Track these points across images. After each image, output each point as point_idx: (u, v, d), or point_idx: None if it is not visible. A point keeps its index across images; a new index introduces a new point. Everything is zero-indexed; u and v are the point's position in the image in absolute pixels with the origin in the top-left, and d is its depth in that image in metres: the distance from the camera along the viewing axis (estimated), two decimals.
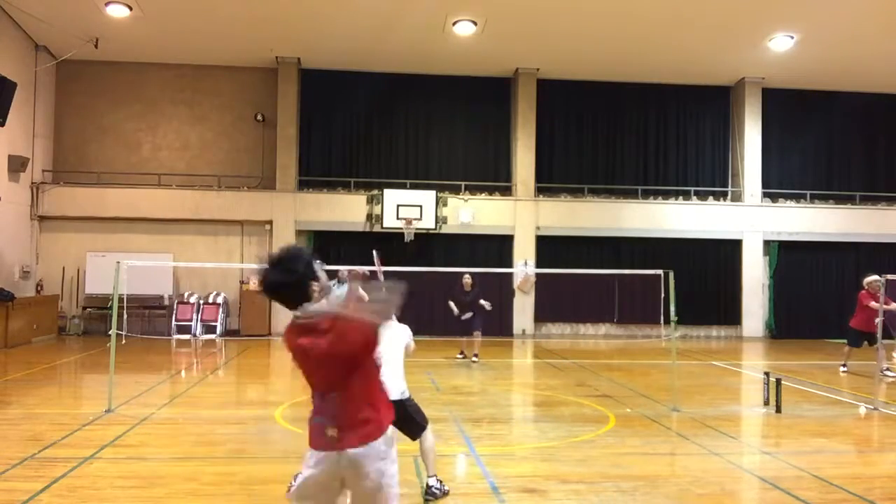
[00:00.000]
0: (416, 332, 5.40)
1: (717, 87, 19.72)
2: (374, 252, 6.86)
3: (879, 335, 9.53)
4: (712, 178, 19.74)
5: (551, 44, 16.97)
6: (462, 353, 13.26)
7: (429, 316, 17.51)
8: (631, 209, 18.85)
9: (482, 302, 12.75)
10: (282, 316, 17.75)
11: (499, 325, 17.72)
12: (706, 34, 16.35)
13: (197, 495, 5.26)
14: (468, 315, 12.87)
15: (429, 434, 5.24)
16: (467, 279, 12.84)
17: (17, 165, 16.25)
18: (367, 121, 18.91)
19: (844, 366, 12.27)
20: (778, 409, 8.59)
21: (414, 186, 18.16)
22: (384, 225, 17.49)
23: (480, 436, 7.32)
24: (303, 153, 18.61)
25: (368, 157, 18.89)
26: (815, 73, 18.58)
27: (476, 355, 12.68)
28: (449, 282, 16.67)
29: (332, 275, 11.99)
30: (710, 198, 19.63)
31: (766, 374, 9.23)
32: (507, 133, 19.25)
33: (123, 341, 13.79)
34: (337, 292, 11.58)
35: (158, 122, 18.58)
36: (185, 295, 17.48)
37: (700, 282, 18.90)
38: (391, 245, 18.00)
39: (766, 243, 19.18)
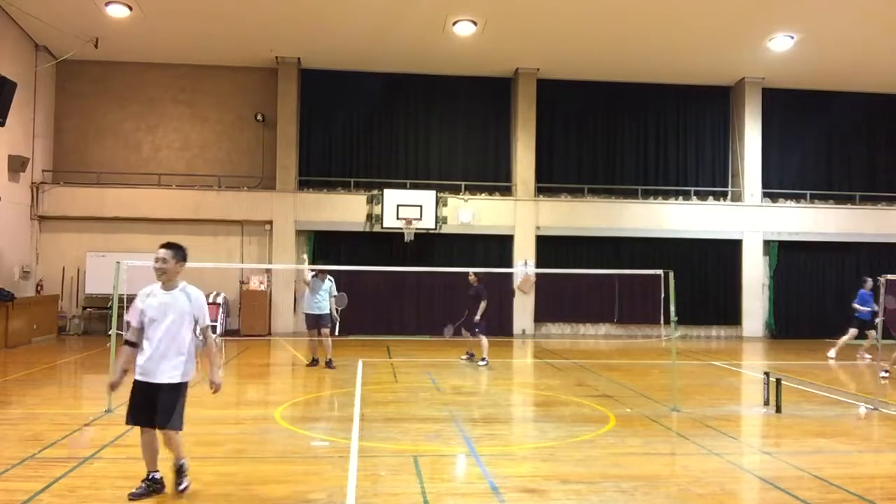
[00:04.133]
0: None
1: (717, 87, 19.72)
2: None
3: (879, 335, 9.53)
4: (712, 178, 19.74)
5: (551, 44, 16.97)
6: (471, 354, 13.24)
7: (428, 316, 17.55)
8: (631, 209, 18.85)
9: (482, 304, 12.70)
10: (282, 316, 17.78)
11: (499, 325, 17.72)
12: (706, 34, 16.35)
13: (197, 495, 5.26)
14: (457, 325, 13.19)
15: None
16: (472, 277, 12.90)
17: (17, 165, 16.25)
18: (367, 121, 18.90)
19: (887, 371, 11.31)
20: (778, 409, 8.59)
21: (414, 186, 18.15)
22: (384, 225, 17.49)
23: (480, 436, 7.32)
24: (303, 153, 18.61)
25: (368, 157, 18.89)
26: (815, 73, 18.59)
27: (484, 358, 12.65)
28: (449, 282, 16.75)
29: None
30: (710, 198, 19.63)
31: (766, 374, 9.23)
32: (507, 133, 19.25)
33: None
34: (317, 286, 11.71)
35: (158, 122, 18.58)
36: None
37: (700, 282, 18.91)
38: (391, 245, 18.04)
39: (766, 243, 19.18)
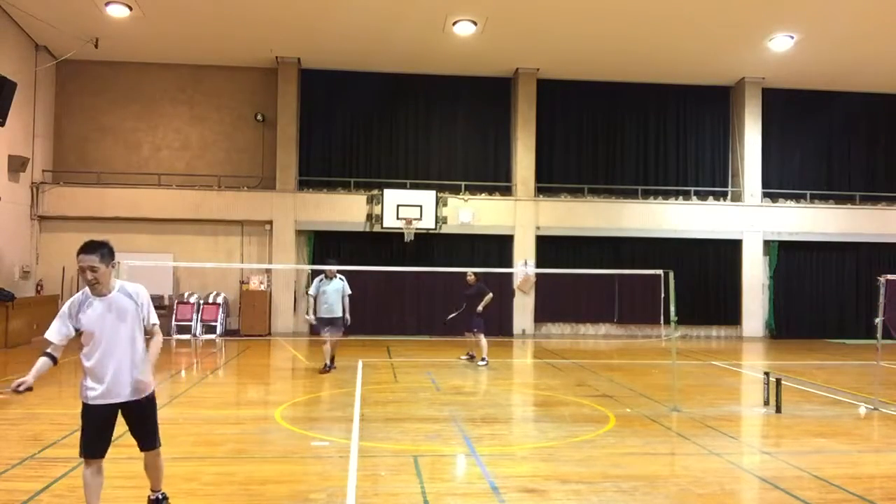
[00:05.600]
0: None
1: (717, 87, 19.72)
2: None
3: (879, 335, 9.52)
4: (712, 178, 19.75)
5: (551, 44, 16.97)
6: (471, 354, 13.22)
7: (428, 316, 17.54)
8: (631, 209, 18.85)
9: (487, 297, 12.65)
10: (282, 316, 17.79)
11: (499, 325, 17.72)
12: (706, 34, 16.35)
13: (197, 495, 5.26)
14: (451, 316, 13.17)
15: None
16: (470, 277, 12.89)
17: (17, 165, 16.25)
18: (367, 121, 18.91)
19: None
20: (778, 409, 8.59)
21: (414, 186, 18.16)
22: (384, 225, 17.50)
23: (480, 436, 7.31)
24: (303, 153, 18.61)
25: (368, 157, 18.89)
26: (815, 73, 18.59)
27: (484, 359, 12.62)
28: (449, 282, 16.73)
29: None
30: (710, 198, 19.63)
31: (766, 374, 9.23)
32: (507, 133, 19.24)
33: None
34: (328, 287, 11.49)
35: (158, 122, 18.58)
36: (185, 295, 17.48)
37: (700, 282, 18.91)
38: (391, 245, 18.04)
39: (766, 243, 19.18)
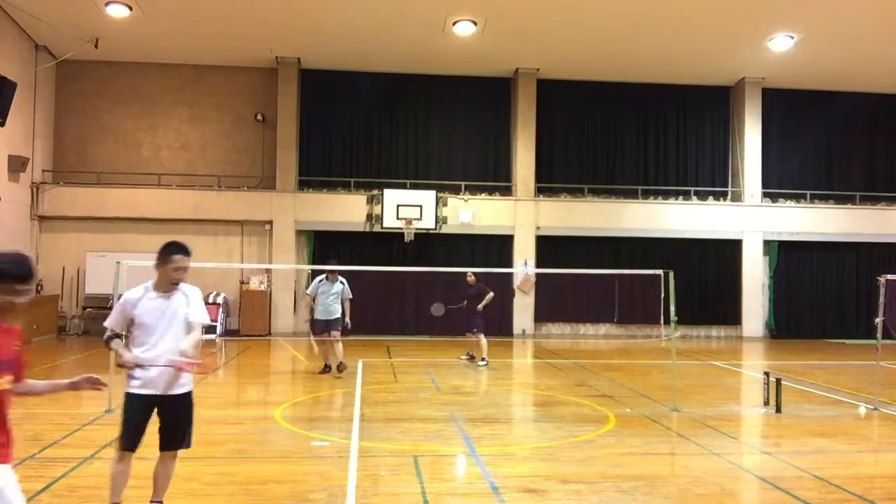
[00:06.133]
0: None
1: (717, 87, 19.71)
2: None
3: (879, 335, 9.52)
4: (712, 178, 19.74)
5: (551, 44, 16.97)
6: (471, 355, 13.21)
7: (429, 316, 17.52)
8: (631, 209, 18.85)
9: (488, 296, 12.66)
10: (282, 316, 17.79)
11: (499, 325, 17.72)
12: (706, 34, 16.35)
13: (197, 495, 5.27)
14: (438, 306, 13.23)
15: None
16: (470, 277, 12.89)
17: (17, 165, 16.25)
18: (367, 121, 18.91)
19: None
20: (778, 409, 8.59)
21: (414, 186, 18.16)
22: (384, 225, 17.49)
23: (480, 436, 7.32)
24: (303, 153, 18.61)
25: (368, 157, 18.89)
26: (815, 73, 18.58)
27: (484, 359, 12.61)
28: (449, 282, 16.73)
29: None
30: (710, 198, 19.63)
31: (766, 374, 9.23)
32: (507, 133, 19.24)
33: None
34: (328, 289, 11.41)
35: (158, 122, 18.58)
36: None
37: (700, 282, 18.91)
38: (391, 245, 18.04)
39: (766, 243, 19.18)
